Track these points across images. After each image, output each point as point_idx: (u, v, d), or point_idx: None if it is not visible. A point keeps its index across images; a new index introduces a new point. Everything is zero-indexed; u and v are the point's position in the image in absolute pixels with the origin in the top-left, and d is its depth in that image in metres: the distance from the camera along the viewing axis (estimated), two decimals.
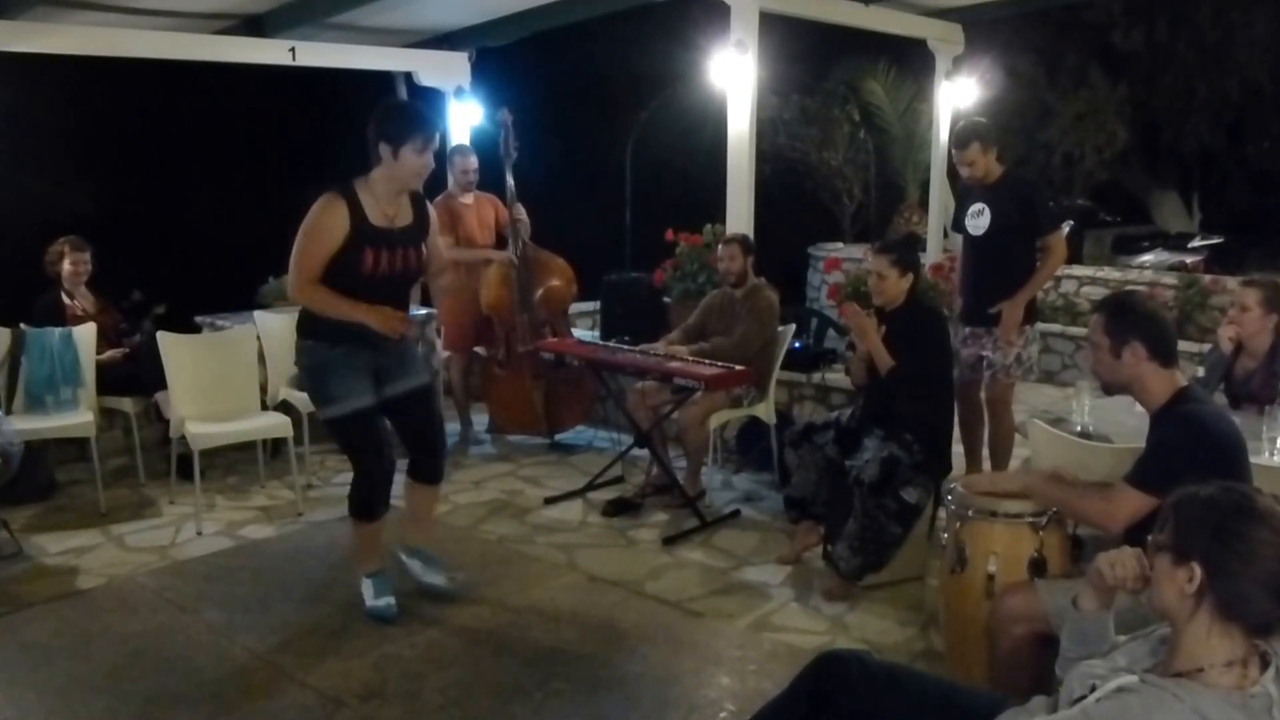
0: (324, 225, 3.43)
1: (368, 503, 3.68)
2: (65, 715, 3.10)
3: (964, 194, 4.84)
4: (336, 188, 3.48)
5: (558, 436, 6.14)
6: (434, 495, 4.01)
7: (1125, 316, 2.61)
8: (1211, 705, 1.63)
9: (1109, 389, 2.74)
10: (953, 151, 4.77)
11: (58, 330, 5.12)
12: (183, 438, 4.83)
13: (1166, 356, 2.59)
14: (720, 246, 5.23)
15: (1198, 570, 1.69)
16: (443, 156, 6.40)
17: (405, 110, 3.57)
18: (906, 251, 4.20)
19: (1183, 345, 3.54)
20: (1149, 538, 1.84)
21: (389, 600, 3.74)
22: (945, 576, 3.07)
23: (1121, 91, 12.32)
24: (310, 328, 3.59)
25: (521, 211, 5.90)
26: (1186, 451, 2.45)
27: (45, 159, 8.77)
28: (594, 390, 6.02)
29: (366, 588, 3.78)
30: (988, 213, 4.62)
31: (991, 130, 4.75)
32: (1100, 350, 2.63)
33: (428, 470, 3.86)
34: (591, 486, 5.23)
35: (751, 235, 5.48)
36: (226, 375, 5.11)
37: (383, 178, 3.48)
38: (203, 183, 10.15)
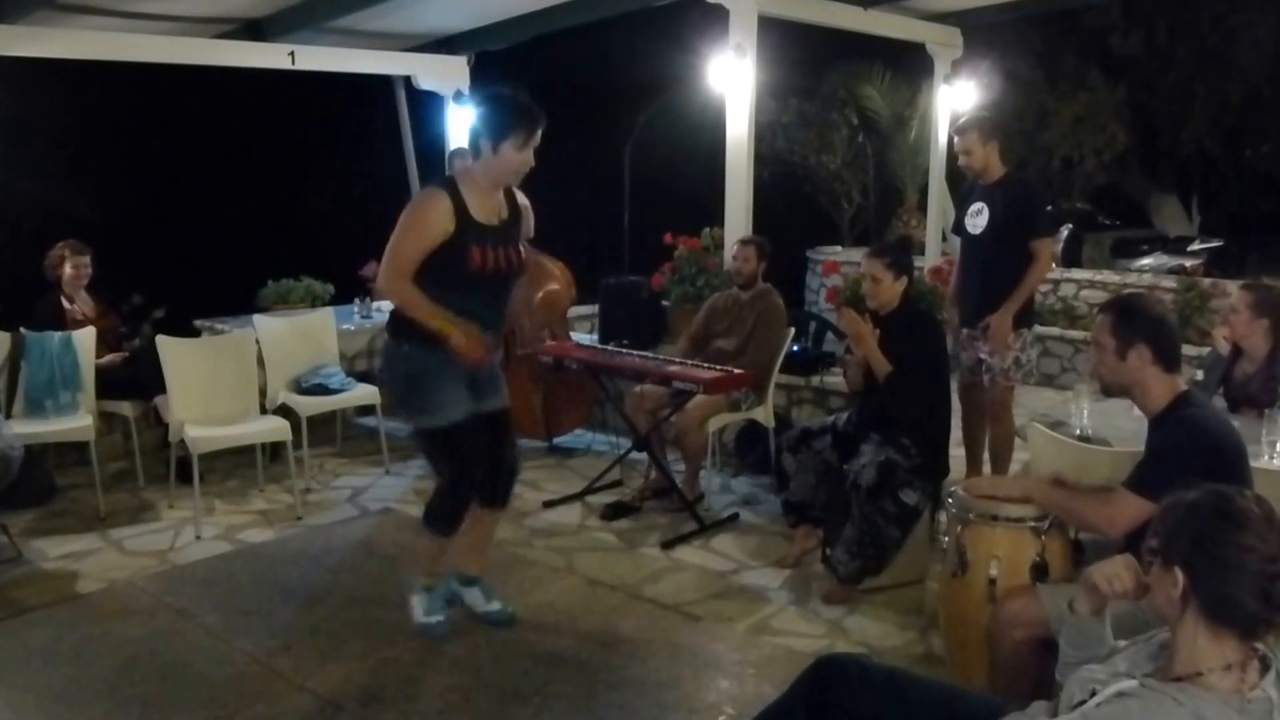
0: (426, 219, 3.27)
1: (452, 518, 3.51)
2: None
3: (965, 195, 4.85)
4: (439, 182, 3.36)
5: (556, 440, 6.14)
6: (498, 520, 3.83)
7: (1133, 319, 2.59)
8: (1211, 709, 1.63)
9: (1109, 390, 2.73)
10: (954, 139, 4.76)
11: (57, 334, 5.12)
12: (182, 441, 4.83)
13: (1171, 361, 2.58)
14: (736, 246, 5.23)
15: (1180, 575, 1.70)
16: (442, 159, 6.43)
17: (508, 103, 3.34)
18: (901, 255, 4.20)
19: (1182, 348, 3.54)
20: (1144, 544, 1.84)
21: (440, 618, 3.62)
22: (946, 580, 3.07)
23: (1121, 95, 12.30)
24: (408, 331, 3.34)
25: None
26: (1186, 456, 2.44)
27: (45, 163, 8.76)
28: (593, 394, 6.02)
29: (418, 603, 3.63)
30: (986, 212, 4.63)
31: (994, 125, 4.73)
32: (1105, 351, 2.61)
33: (499, 494, 3.67)
34: (590, 490, 5.23)
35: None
36: (226, 379, 5.11)
37: (483, 173, 3.35)
38: (202, 186, 10.15)
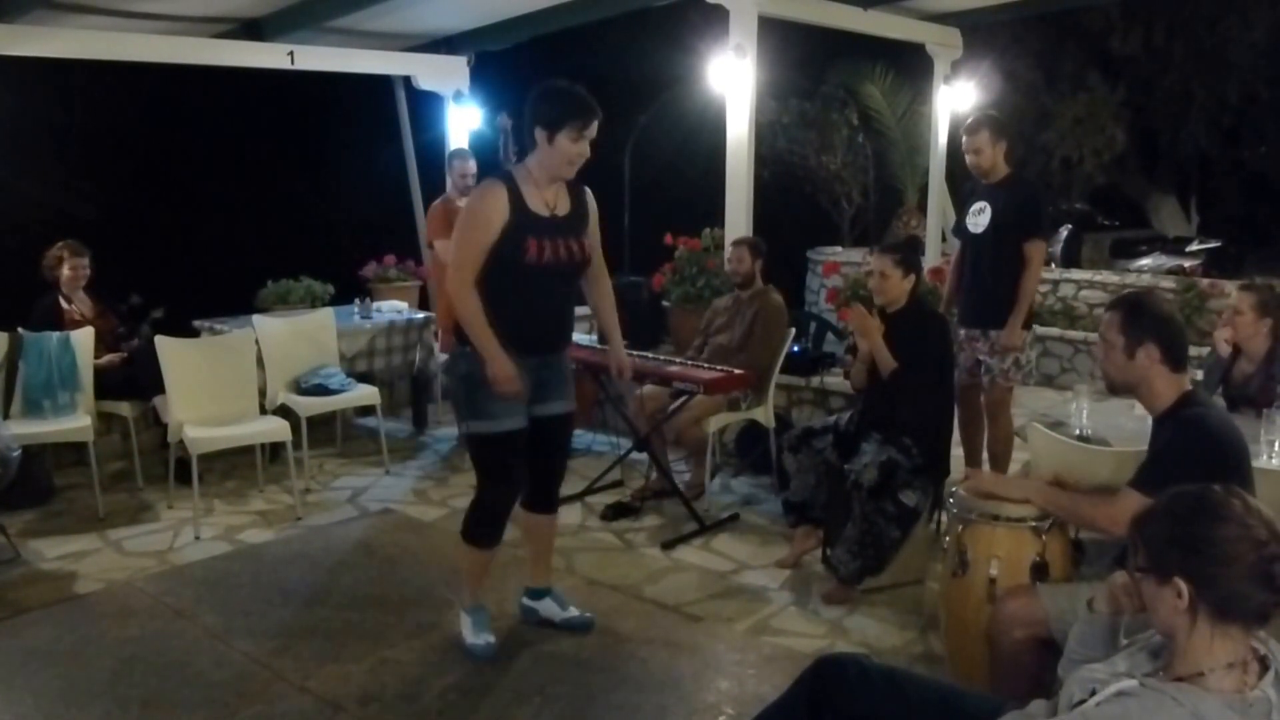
0: (483, 213, 3.23)
1: (492, 528, 3.46)
2: None
3: (967, 195, 4.85)
4: (497, 175, 3.33)
5: None
6: (554, 526, 3.74)
7: (1142, 317, 2.57)
8: (1211, 709, 1.62)
9: (1115, 389, 2.71)
10: (964, 138, 4.73)
11: (55, 335, 5.11)
12: (181, 442, 4.82)
13: (1178, 360, 2.57)
14: (730, 247, 5.24)
15: (1183, 585, 1.68)
16: (442, 160, 6.43)
17: (563, 93, 3.29)
18: (909, 253, 4.22)
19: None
20: (1129, 564, 1.84)
21: (489, 639, 3.52)
22: (946, 580, 3.07)
23: (1119, 95, 12.33)
24: None
25: None
26: (1190, 456, 2.43)
27: (43, 163, 8.75)
28: (593, 394, 6.01)
29: (466, 623, 3.55)
30: (989, 211, 4.63)
31: (1004, 124, 4.73)
32: (1112, 350, 2.59)
33: (548, 499, 3.63)
34: (590, 490, 5.23)
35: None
36: (225, 379, 5.10)
37: (537, 164, 3.29)
38: (201, 186, 10.13)
